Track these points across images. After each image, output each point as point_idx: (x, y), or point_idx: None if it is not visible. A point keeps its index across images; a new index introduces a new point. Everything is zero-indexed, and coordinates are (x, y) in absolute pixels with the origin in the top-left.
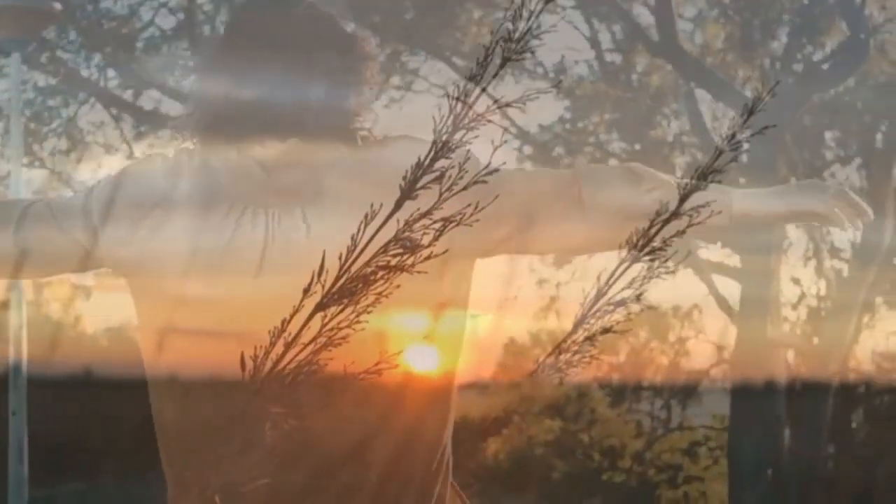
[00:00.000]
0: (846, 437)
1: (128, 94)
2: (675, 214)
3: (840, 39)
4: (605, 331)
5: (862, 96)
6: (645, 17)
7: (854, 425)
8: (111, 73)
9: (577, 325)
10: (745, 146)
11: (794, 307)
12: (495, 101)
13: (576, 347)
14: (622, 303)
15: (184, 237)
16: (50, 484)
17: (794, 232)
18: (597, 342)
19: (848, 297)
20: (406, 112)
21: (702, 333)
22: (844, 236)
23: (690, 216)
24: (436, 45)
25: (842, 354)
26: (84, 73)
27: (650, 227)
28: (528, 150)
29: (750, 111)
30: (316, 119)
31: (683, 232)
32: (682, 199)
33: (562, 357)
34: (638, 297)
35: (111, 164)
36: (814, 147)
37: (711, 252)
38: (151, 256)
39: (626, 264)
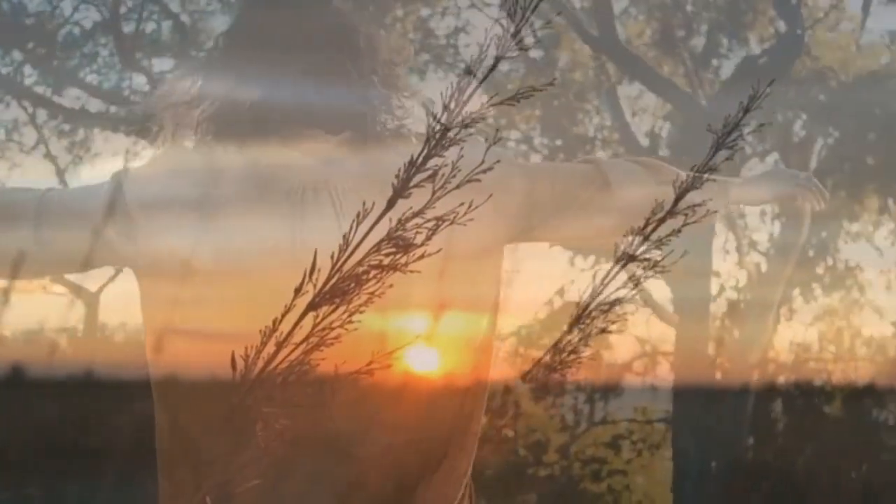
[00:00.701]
0: (767, 429)
1: (47, 92)
2: (671, 213)
3: (774, 34)
4: (601, 330)
5: (779, 90)
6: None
7: (773, 416)
8: (28, 69)
9: (573, 324)
10: (741, 143)
11: (716, 300)
12: (489, 98)
13: (571, 347)
14: (617, 302)
15: (243, 233)
16: None
17: (716, 226)
18: (592, 342)
19: (767, 290)
20: None
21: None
22: (764, 230)
23: (686, 214)
24: None
25: (762, 347)
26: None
27: (646, 225)
28: None
29: (746, 109)
30: (338, 119)
31: (679, 230)
32: (679, 198)
33: (557, 357)
34: (633, 297)
35: (27, 164)
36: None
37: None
38: (202, 253)
39: (621, 263)
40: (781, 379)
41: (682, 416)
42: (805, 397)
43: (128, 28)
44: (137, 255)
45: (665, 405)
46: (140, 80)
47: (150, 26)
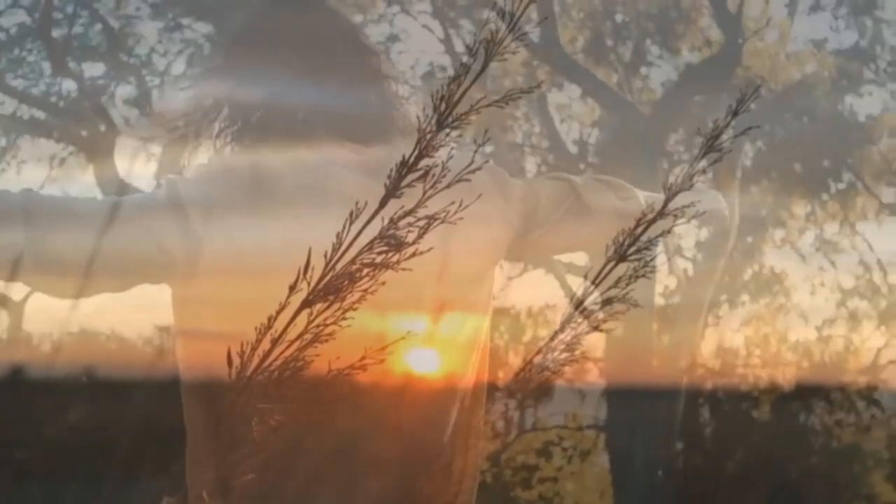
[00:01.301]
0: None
1: None
2: (661, 214)
3: (705, 42)
4: (592, 329)
5: (717, 98)
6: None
7: (702, 421)
8: None
9: (565, 323)
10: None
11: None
12: (478, 101)
13: (563, 346)
14: (609, 301)
15: (296, 234)
16: None
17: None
18: (583, 341)
19: (695, 295)
20: None
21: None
22: (692, 235)
23: (675, 216)
24: None
25: (691, 352)
26: None
27: (636, 226)
28: None
29: (734, 112)
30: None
31: (669, 231)
32: (668, 200)
33: (549, 357)
34: (624, 297)
35: None
36: (660, 148)
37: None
38: (258, 254)
39: (612, 263)
40: (710, 384)
41: (615, 421)
42: (733, 402)
43: (58, 33)
44: (194, 258)
45: (595, 411)
46: (70, 86)
47: (79, 30)
